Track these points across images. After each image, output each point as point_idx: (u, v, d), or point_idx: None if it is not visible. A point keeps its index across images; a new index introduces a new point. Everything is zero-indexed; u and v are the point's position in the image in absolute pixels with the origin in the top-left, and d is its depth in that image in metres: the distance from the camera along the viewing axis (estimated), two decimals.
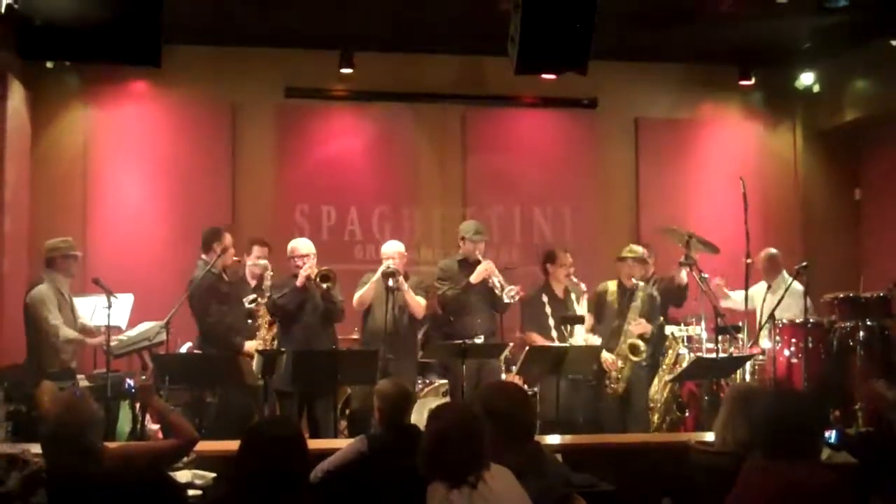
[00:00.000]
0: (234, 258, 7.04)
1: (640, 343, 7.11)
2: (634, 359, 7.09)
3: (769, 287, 7.74)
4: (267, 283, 6.91)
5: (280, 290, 6.82)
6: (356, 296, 7.04)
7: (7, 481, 3.80)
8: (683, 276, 7.60)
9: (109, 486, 3.43)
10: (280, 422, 3.45)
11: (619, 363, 7.13)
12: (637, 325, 7.15)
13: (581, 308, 7.27)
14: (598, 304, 7.39)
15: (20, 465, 3.91)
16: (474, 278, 7.00)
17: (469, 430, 3.42)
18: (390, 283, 6.83)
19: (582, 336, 7.17)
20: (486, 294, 7.07)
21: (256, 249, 7.35)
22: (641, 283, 7.25)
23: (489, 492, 3.31)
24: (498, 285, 6.97)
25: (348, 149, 9.04)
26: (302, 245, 6.96)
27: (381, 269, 6.90)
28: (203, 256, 6.88)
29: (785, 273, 7.78)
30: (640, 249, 7.42)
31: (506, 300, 6.96)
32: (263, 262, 7.14)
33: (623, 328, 7.17)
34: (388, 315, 6.82)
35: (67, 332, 6.66)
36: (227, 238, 6.93)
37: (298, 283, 6.74)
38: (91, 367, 7.28)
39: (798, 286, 7.32)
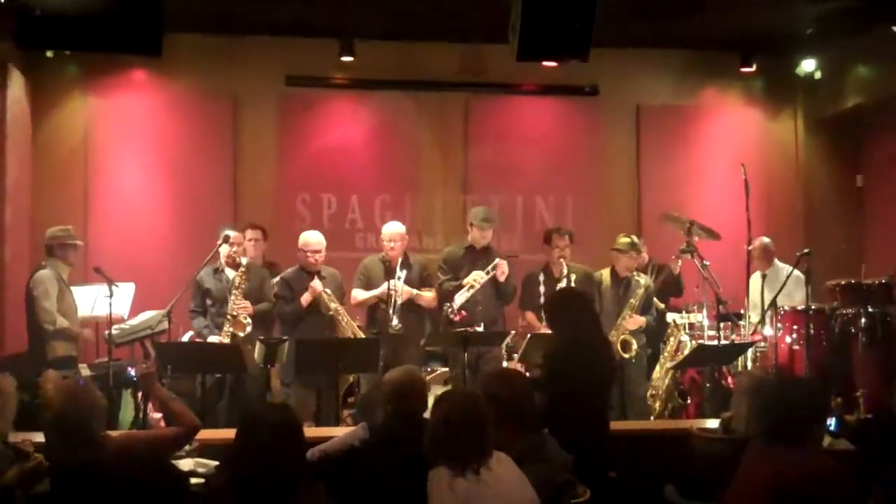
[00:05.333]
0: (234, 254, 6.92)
1: (633, 340, 7.02)
2: (625, 355, 6.96)
3: (764, 276, 7.69)
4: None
5: (287, 286, 6.91)
6: (355, 294, 7.05)
7: (6, 473, 3.82)
8: (678, 264, 7.60)
9: (112, 474, 3.44)
10: (277, 408, 3.46)
11: None
12: (631, 321, 7.08)
13: None
14: None
15: (22, 458, 3.92)
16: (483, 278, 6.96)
17: (475, 416, 3.43)
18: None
19: None
20: (489, 284, 7.03)
21: (249, 232, 7.35)
22: (636, 275, 7.19)
23: (492, 478, 3.32)
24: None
25: (349, 137, 9.01)
26: (313, 239, 6.98)
27: (382, 288, 6.84)
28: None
29: (777, 261, 7.76)
30: (635, 239, 7.34)
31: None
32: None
33: (617, 322, 7.07)
34: (392, 304, 6.81)
35: (61, 321, 6.62)
36: (236, 236, 6.93)
37: (304, 302, 6.81)
38: (93, 355, 7.29)
39: (800, 273, 7.30)
